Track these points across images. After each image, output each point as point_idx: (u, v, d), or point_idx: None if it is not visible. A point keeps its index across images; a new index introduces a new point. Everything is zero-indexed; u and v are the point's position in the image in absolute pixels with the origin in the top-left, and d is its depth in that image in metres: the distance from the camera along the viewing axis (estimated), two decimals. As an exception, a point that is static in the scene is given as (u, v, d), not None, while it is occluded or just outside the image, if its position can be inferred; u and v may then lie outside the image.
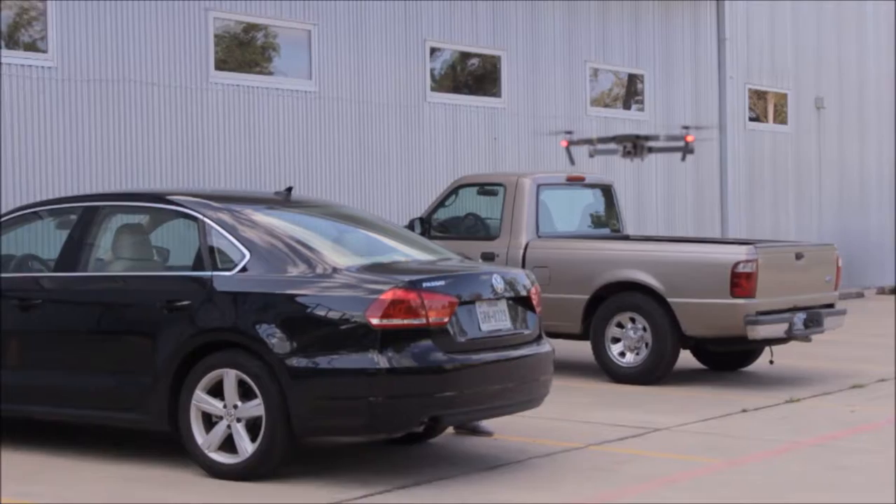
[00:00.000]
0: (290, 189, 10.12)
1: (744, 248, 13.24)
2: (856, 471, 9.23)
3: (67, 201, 10.39)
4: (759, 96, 26.25)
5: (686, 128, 15.99)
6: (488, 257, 13.95)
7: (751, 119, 25.70)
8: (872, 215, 29.00)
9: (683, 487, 8.71)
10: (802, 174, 26.92)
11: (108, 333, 9.25)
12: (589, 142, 16.01)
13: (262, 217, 9.23)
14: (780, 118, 26.71)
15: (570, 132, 15.69)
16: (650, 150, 16.06)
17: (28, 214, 10.29)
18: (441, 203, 15.00)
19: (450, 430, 9.86)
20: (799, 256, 13.77)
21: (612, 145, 16.16)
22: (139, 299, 9.19)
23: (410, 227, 14.31)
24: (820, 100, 27.25)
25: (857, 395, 12.82)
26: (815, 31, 27.30)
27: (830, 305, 14.12)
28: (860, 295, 26.04)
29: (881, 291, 27.64)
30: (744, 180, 25.17)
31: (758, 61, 25.79)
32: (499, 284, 9.15)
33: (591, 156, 16.00)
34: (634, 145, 15.90)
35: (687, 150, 15.84)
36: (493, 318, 9.05)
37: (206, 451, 8.73)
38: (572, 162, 14.95)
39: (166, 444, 9.39)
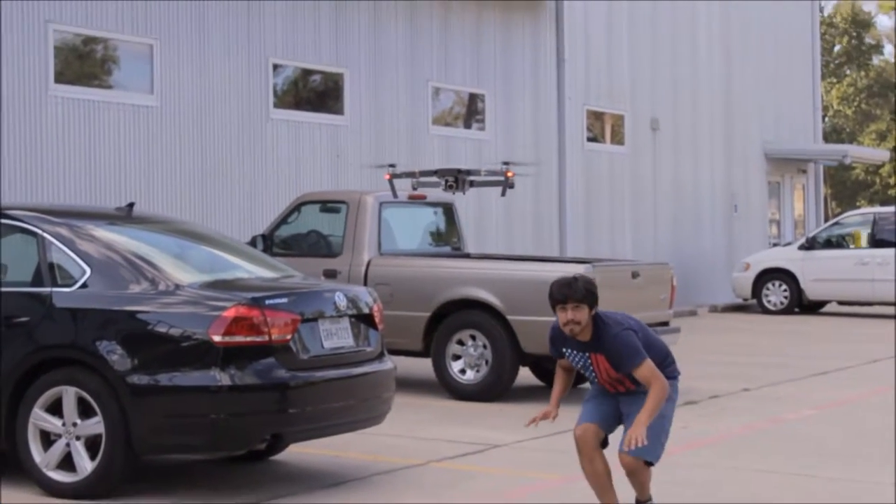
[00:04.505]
0: (131, 205, 10.03)
1: (581, 266, 13.49)
2: (695, 485, 9.45)
3: None
4: (596, 117, 26.72)
5: (506, 164, 16.26)
6: (330, 274, 13.98)
7: (589, 139, 26.13)
8: (706, 235, 29.70)
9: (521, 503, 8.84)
10: (638, 194, 27.45)
11: (-57, 350, 9.05)
12: (412, 175, 16.14)
13: (103, 233, 9.14)
14: (618, 139, 27.20)
15: (392, 165, 15.84)
16: (471, 184, 16.28)
17: None
18: (283, 220, 14.99)
19: (292, 447, 9.81)
20: (635, 275, 14.07)
21: (434, 179, 16.34)
22: (-24, 316, 9.02)
23: (252, 243, 14.27)
24: (655, 121, 27.84)
25: (689, 412, 13.10)
26: (651, 53, 27.86)
27: (665, 323, 14.44)
28: (693, 313, 26.60)
29: (714, 309, 28.28)
30: (582, 200, 25.56)
31: (596, 83, 26.25)
32: (341, 302, 9.20)
33: (415, 188, 16.13)
34: (456, 179, 16.12)
35: (507, 185, 16.13)
36: (336, 336, 9.09)
37: (44, 470, 8.62)
38: (395, 195, 15.09)
39: (4, 462, 9.23)
